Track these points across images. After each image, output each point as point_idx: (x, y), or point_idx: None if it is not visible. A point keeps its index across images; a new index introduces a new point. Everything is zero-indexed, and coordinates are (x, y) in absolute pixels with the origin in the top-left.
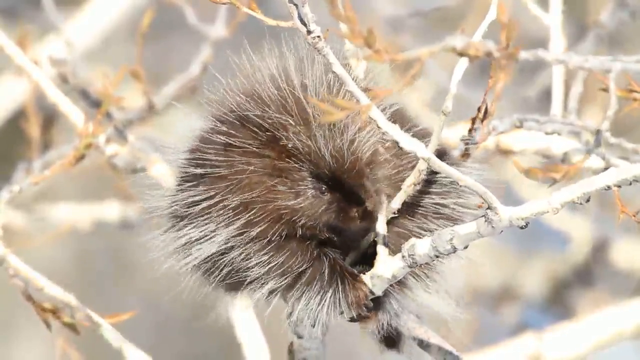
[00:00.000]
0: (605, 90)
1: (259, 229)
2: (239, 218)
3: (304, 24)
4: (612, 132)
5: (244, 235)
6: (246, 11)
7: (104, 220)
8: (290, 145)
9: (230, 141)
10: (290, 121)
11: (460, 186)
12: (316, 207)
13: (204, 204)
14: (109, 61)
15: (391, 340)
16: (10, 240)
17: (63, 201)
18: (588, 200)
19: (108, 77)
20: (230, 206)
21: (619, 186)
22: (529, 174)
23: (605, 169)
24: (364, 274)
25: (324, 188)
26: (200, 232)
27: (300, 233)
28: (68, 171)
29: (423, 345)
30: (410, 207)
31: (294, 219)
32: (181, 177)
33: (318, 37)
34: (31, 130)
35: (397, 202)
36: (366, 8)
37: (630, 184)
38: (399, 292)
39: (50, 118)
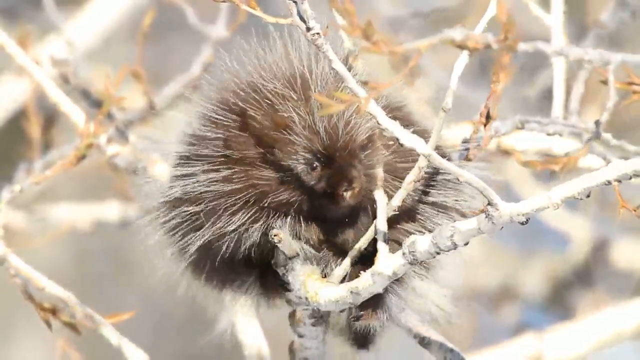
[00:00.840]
0: (605, 82)
1: (233, 187)
2: (220, 169)
3: (304, 21)
4: (613, 132)
5: (218, 187)
6: (246, 9)
7: (104, 220)
8: (286, 116)
9: (233, 100)
10: (293, 95)
11: (460, 182)
12: (304, 182)
13: (196, 151)
14: (109, 61)
15: (361, 340)
16: (11, 240)
17: (63, 201)
18: (588, 196)
19: (109, 77)
20: (217, 155)
21: (619, 181)
22: (528, 165)
23: None
24: (365, 271)
25: (315, 164)
26: (186, 169)
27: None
28: (69, 171)
29: (424, 343)
30: (410, 205)
31: (269, 192)
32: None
33: (317, 33)
34: (32, 130)
35: (397, 200)
36: (366, 8)
37: (631, 178)
38: (399, 287)
39: (51, 118)
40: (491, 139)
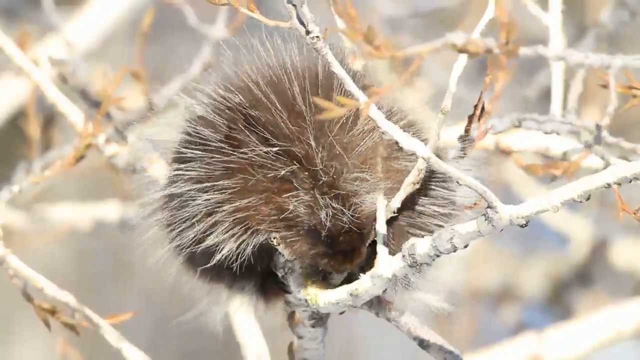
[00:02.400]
0: (605, 86)
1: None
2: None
3: (303, 24)
4: (612, 131)
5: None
6: (244, 12)
7: (103, 220)
8: (291, 207)
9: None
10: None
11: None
12: (307, 246)
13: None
14: (109, 61)
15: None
16: (10, 240)
17: (63, 201)
18: (588, 199)
19: (107, 77)
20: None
21: (619, 184)
22: (528, 170)
23: (605, 168)
24: (364, 273)
25: (319, 235)
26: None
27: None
28: (68, 171)
29: (424, 345)
30: (409, 206)
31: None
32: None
33: (317, 37)
34: (31, 131)
35: (396, 202)
36: (366, 8)
37: (630, 181)
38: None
39: (50, 118)
40: (486, 134)
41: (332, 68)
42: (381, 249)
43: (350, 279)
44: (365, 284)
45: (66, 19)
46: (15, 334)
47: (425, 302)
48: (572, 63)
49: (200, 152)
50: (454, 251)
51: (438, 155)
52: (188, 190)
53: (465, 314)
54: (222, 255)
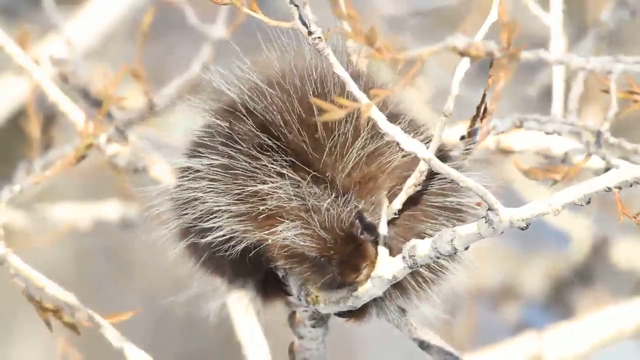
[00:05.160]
0: (606, 91)
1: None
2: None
3: (305, 25)
4: (613, 131)
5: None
6: (246, 12)
7: (104, 220)
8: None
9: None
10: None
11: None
12: (320, 275)
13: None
14: (109, 61)
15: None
16: (11, 239)
17: (64, 201)
18: (589, 202)
19: (107, 76)
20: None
21: (620, 188)
22: (528, 174)
23: (606, 169)
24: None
25: (322, 260)
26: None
27: None
28: (69, 171)
29: (424, 346)
30: (410, 207)
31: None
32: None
33: (319, 38)
34: (32, 130)
35: (398, 203)
36: (367, 7)
37: (631, 185)
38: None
39: (51, 118)
40: (488, 134)
41: (333, 69)
42: (382, 250)
43: None
44: (365, 285)
45: (66, 18)
46: (15, 334)
47: (425, 315)
48: (573, 67)
49: (222, 162)
50: (455, 253)
51: (441, 157)
52: (203, 187)
53: (465, 314)
54: (220, 235)
